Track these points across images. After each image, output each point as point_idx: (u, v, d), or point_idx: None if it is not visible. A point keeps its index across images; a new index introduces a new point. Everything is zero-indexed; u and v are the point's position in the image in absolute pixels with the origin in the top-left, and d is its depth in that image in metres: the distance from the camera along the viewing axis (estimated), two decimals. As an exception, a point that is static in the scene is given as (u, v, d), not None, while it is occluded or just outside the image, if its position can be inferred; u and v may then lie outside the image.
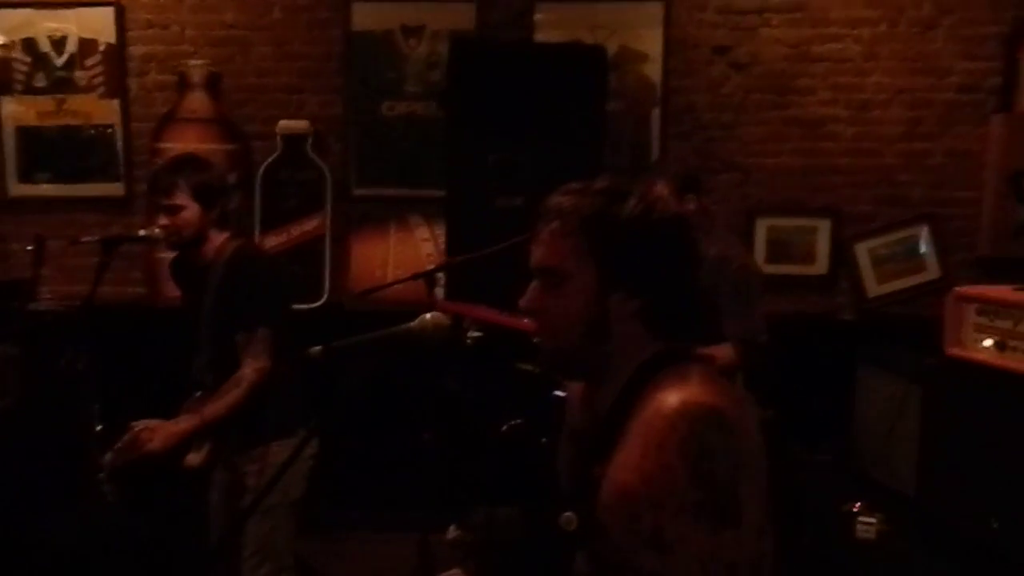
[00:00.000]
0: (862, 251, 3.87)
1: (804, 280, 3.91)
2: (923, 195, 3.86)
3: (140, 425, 2.40)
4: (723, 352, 2.67)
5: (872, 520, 2.95)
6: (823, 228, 3.88)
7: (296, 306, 2.96)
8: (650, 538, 1.02)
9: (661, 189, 2.79)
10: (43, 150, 4.10)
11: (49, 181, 4.12)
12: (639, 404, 1.10)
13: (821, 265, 3.90)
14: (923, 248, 3.85)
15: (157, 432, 2.37)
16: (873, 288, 3.88)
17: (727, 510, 1.02)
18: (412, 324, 1.14)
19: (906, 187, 3.87)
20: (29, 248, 3.90)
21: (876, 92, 3.82)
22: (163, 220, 2.40)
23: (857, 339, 3.68)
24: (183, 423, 2.39)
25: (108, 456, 2.38)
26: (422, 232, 4.02)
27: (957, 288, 3.01)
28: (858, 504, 3.04)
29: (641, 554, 1.03)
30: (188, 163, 2.48)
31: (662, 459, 1.02)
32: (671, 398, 1.07)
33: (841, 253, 3.89)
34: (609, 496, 1.07)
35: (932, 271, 3.84)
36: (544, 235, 1.16)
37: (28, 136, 4.09)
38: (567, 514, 1.12)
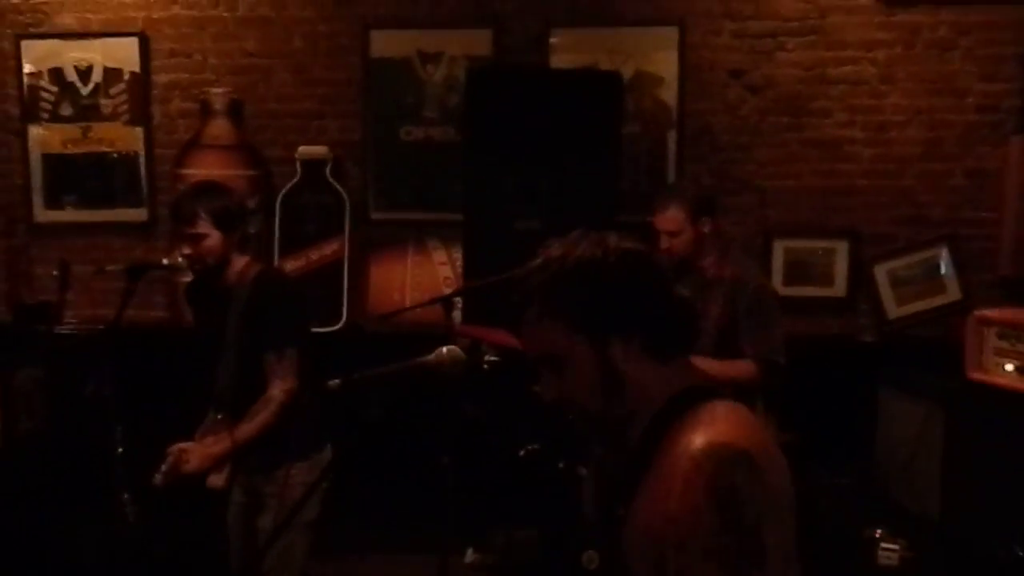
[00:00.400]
0: (881, 272, 3.85)
1: (823, 302, 3.89)
2: (943, 216, 3.83)
3: (177, 448, 2.43)
4: (744, 368, 2.67)
5: (895, 546, 2.91)
6: (841, 250, 3.87)
7: (315, 329, 2.99)
8: None
9: (659, 219, 2.81)
10: (69, 176, 4.19)
11: (74, 206, 4.20)
12: (666, 443, 1.09)
13: (840, 287, 3.88)
14: (943, 269, 3.82)
15: (193, 454, 2.41)
16: (893, 310, 3.85)
17: (752, 554, 1.01)
18: (429, 358, 1.15)
19: (925, 208, 3.85)
20: (55, 273, 3.97)
21: (894, 113, 3.82)
22: (186, 249, 2.44)
23: (878, 361, 3.65)
24: (217, 446, 2.43)
25: (157, 478, 2.42)
26: (440, 255, 4.05)
27: (977, 312, 2.99)
28: (879, 530, 3.01)
29: None
30: (207, 190, 2.52)
31: (689, 501, 1.02)
32: (698, 439, 1.06)
33: (860, 275, 3.87)
34: (633, 536, 1.08)
35: (953, 292, 3.81)
36: (525, 327, 1.16)
37: (54, 163, 4.18)
38: (589, 552, 1.12)
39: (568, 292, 1.13)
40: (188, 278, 2.66)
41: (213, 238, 2.43)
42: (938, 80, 3.78)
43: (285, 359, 2.44)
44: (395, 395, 1.19)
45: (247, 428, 2.42)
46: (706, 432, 1.06)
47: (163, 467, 2.41)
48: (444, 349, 1.12)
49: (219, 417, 2.46)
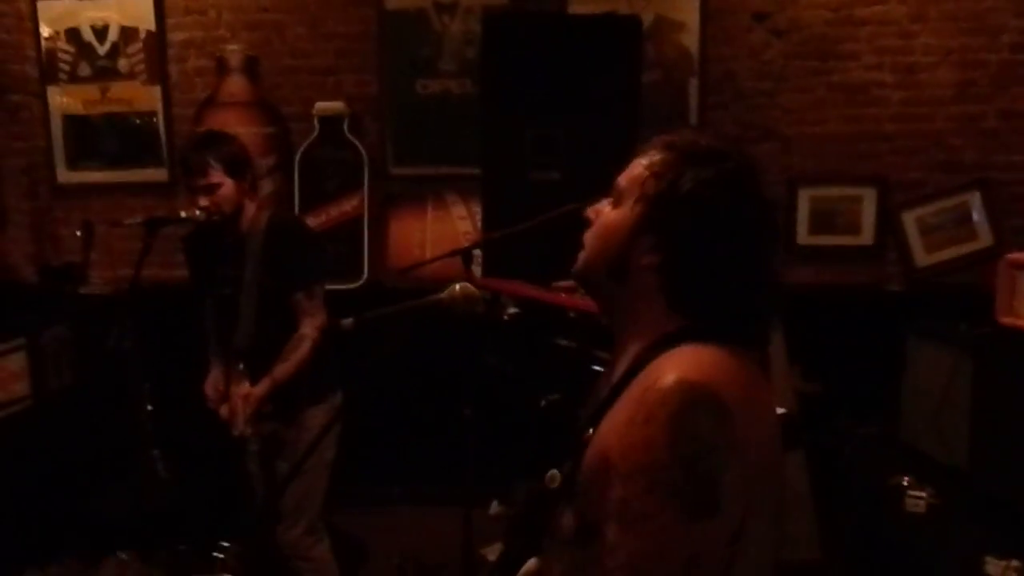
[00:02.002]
0: (909, 220, 3.76)
1: (849, 251, 3.82)
2: (974, 160, 3.73)
3: (239, 396, 2.47)
4: None
5: (922, 494, 2.88)
6: (869, 197, 3.78)
7: (336, 286, 3.00)
8: (616, 508, 0.98)
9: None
10: (89, 137, 4.20)
11: (96, 168, 4.23)
12: (643, 372, 1.05)
13: (867, 235, 3.81)
14: (975, 215, 3.72)
15: (246, 400, 2.46)
16: (922, 258, 3.78)
17: (702, 500, 0.96)
18: (441, 295, 1.13)
19: (957, 152, 3.74)
20: (78, 233, 4.01)
21: (924, 54, 3.69)
22: (203, 201, 2.44)
23: (906, 310, 3.58)
24: (260, 387, 2.47)
25: (244, 429, 2.48)
26: (459, 210, 4.02)
27: (1009, 255, 2.91)
28: (907, 478, 2.97)
29: (605, 522, 1.00)
30: (213, 139, 2.52)
31: (646, 432, 0.97)
32: (672, 372, 1.00)
33: (887, 222, 3.78)
34: (590, 459, 1.04)
35: (984, 238, 3.71)
36: (639, 157, 1.15)
37: (75, 124, 4.20)
38: (552, 472, 1.11)
39: (676, 176, 1.09)
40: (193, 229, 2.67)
41: (227, 186, 2.43)
42: (970, 18, 3.64)
43: (315, 297, 2.50)
44: (409, 333, 1.17)
45: (285, 367, 2.47)
46: (683, 368, 1.01)
47: (239, 418, 2.46)
48: (457, 286, 1.10)
49: (240, 367, 2.49)
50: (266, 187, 3.89)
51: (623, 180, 1.14)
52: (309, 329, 2.49)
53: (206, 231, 2.58)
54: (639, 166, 1.13)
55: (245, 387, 2.48)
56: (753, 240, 1.10)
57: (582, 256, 1.17)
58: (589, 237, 1.17)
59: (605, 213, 1.16)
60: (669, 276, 1.09)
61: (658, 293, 1.10)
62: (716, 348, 1.06)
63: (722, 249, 1.08)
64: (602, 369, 1.42)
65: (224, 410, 2.53)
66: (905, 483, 2.95)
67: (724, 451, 0.97)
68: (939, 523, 2.80)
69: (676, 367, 1.01)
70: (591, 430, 1.07)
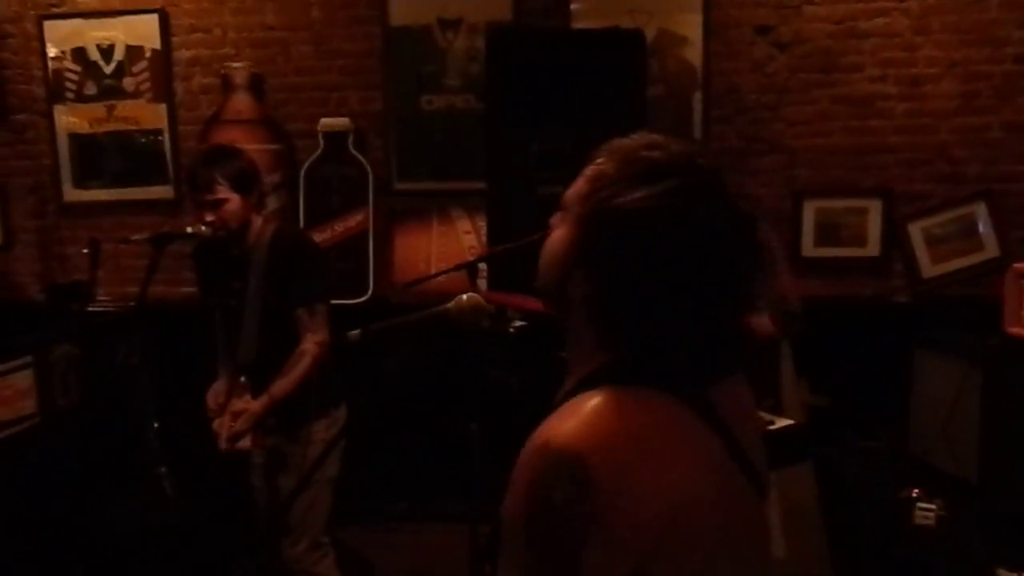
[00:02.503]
0: (915, 231, 3.75)
1: (855, 263, 3.81)
2: (979, 171, 3.72)
3: (228, 414, 2.47)
4: (759, 323, 2.65)
5: (931, 506, 2.85)
6: (874, 209, 3.78)
7: (342, 302, 3.00)
8: (512, 562, 0.93)
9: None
10: (96, 156, 4.23)
11: (102, 186, 4.25)
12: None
13: (873, 247, 3.80)
14: (980, 226, 3.72)
15: (240, 416, 2.45)
16: (928, 269, 3.76)
17: (554, 570, 0.88)
18: (448, 305, 1.13)
19: (961, 164, 3.73)
20: (85, 251, 4.02)
21: (928, 66, 3.70)
22: (209, 216, 2.45)
23: (913, 322, 3.56)
24: (259, 402, 2.45)
25: (224, 444, 2.47)
26: (464, 225, 4.03)
27: (1016, 264, 2.90)
28: (916, 491, 2.95)
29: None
30: (220, 154, 2.52)
31: (514, 491, 0.91)
32: (548, 431, 0.91)
33: (893, 234, 3.78)
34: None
35: (991, 249, 3.70)
36: (585, 170, 1.05)
37: (81, 143, 4.22)
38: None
39: (602, 198, 0.98)
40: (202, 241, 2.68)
41: (233, 202, 2.44)
42: (974, 30, 3.65)
43: (317, 313, 2.49)
44: (415, 345, 1.17)
45: (284, 383, 2.45)
46: (563, 427, 0.91)
47: (224, 434, 2.45)
48: (464, 296, 1.09)
49: (242, 380, 2.48)
50: (271, 204, 3.91)
51: (568, 194, 1.04)
52: (310, 345, 2.48)
53: (214, 244, 2.58)
54: (582, 179, 1.03)
55: (241, 402, 2.47)
56: (698, 272, 0.95)
57: (538, 273, 1.08)
58: (541, 256, 1.08)
59: (552, 232, 1.06)
60: (597, 310, 0.99)
61: (589, 326, 1.00)
62: (636, 395, 0.95)
63: (656, 284, 0.95)
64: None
65: (217, 423, 2.51)
66: (914, 496, 2.93)
67: (580, 525, 0.87)
68: (949, 536, 2.78)
69: (557, 424, 0.92)
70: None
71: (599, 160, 1.03)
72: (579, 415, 0.92)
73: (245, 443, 2.47)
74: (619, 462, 0.88)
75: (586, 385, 0.97)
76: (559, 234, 1.04)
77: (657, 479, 0.89)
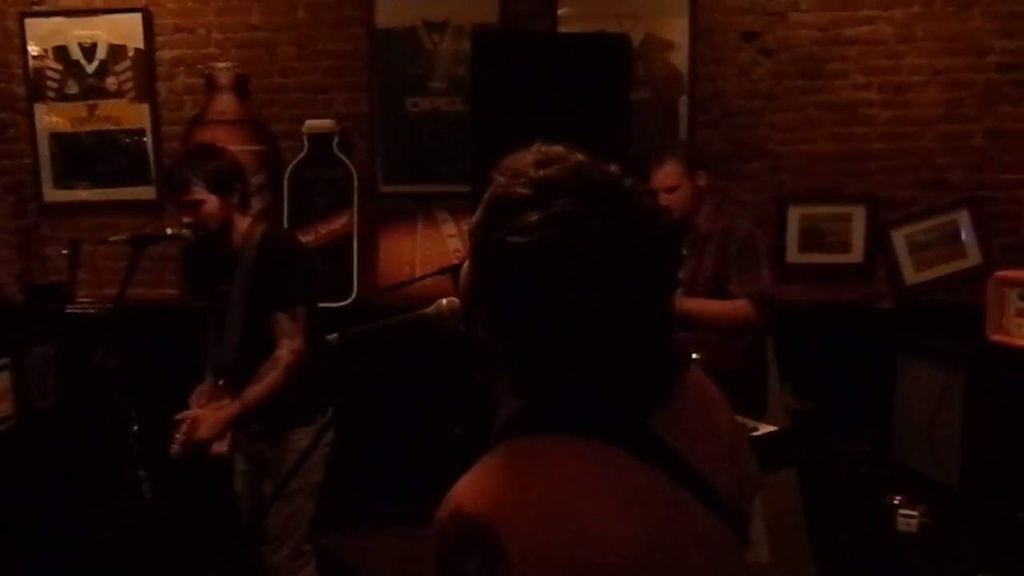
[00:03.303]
0: (899, 238, 3.77)
1: (839, 269, 3.82)
2: (962, 179, 3.74)
3: (188, 415, 2.42)
4: (736, 306, 2.67)
5: (914, 512, 2.86)
6: (858, 215, 3.79)
7: (325, 304, 2.97)
8: None
9: (657, 176, 2.80)
10: (77, 156, 4.18)
11: (83, 186, 4.20)
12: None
13: (856, 253, 3.81)
14: (963, 233, 3.74)
15: (204, 420, 2.39)
16: (911, 276, 3.78)
17: None
18: (428, 310, 1.12)
19: (944, 171, 3.76)
20: (64, 252, 3.97)
21: (911, 74, 3.72)
22: (187, 217, 2.42)
23: (896, 327, 3.59)
24: (226, 410, 2.41)
25: (174, 448, 2.40)
26: (449, 227, 4.01)
27: (998, 272, 2.92)
28: (898, 497, 2.96)
29: None
30: (198, 155, 2.49)
31: (434, 559, 0.88)
32: (455, 497, 0.86)
33: (877, 240, 3.79)
34: None
35: (973, 257, 3.73)
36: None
37: (62, 142, 4.17)
38: None
39: (489, 231, 0.88)
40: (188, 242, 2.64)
41: (210, 203, 2.40)
42: (957, 39, 3.68)
43: (297, 319, 2.44)
44: (395, 349, 1.16)
45: (256, 390, 2.41)
46: (471, 492, 0.85)
47: (178, 436, 2.40)
48: (443, 300, 1.08)
49: (220, 382, 2.45)
50: (255, 205, 3.87)
51: (471, 223, 0.94)
52: (285, 352, 2.43)
53: (203, 244, 2.54)
54: (480, 204, 0.93)
55: (209, 408, 2.42)
56: (601, 301, 0.84)
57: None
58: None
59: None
60: (498, 353, 0.91)
61: (499, 368, 0.93)
62: (551, 446, 0.88)
63: (554, 320, 0.85)
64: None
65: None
66: (897, 502, 2.94)
67: None
68: (931, 542, 2.79)
69: (465, 490, 0.86)
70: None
71: (495, 182, 0.92)
72: (490, 476, 0.86)
73: (221, 447, 2.43)
74: (529, 526, 0.82)
75: (504, 434, 0.90)
76: (464, 267, 0.96)
77: (571, 537, 0.82)
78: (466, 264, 0.96)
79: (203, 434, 2.39)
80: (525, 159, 0.92)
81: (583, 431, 0.88)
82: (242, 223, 2.50)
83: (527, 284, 0.85)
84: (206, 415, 2.41)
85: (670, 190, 2.76)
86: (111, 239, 2.64)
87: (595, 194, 0.86)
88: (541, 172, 0.88)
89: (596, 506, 0.84)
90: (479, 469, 0.88)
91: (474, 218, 0.92)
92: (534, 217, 0.84)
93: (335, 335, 1.18)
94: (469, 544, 0.82)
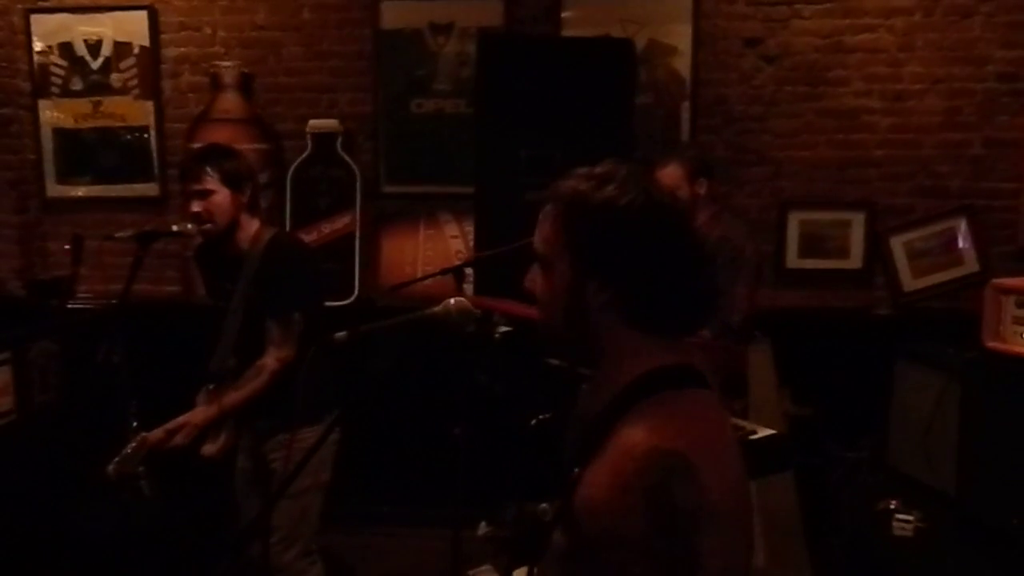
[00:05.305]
0: (897, 245, 3.80)
1: (838, 275, 3.85)
2: (961, 187, 3.77)
3: (140, 437, 2.38)
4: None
5: (910, 518, 2.88)
6: (857, 221, 3.82)
7: (327, 303, 2.98)
8: (617, 571, 1.05)
9: (659, 175, 2.81)
10: (80, 151, 4.19)
11: (86, 182, 4.21)
12: (621, 425, 1.08)
13: (855, 259, 3.84)
14: (961, 241, 3.76)
15: (182, 428, 2.39)
16: (909, 282, 3.81)
17: (683, 560, 1.02)
18: (436, 309, 1.14)
19: (943, 179, 3.78)
20: (67, 247, 3.98)
21: (912, 82, 3.75)
22: (195, 207, 2.41)
23: (894, 334, 3.61)
24: (201, 414, 2.41)
25: (110, 469, 2.37)
26: (451, 229, 4.03)
27: (995, 280, 2.94)
28: (895, 502, 2.98)
29: None
30: (215, 151, 2.50)
31: (627, 501, 1.03)
32: (643, 439, 1.04)
33: (876, 247, 3.82)
34: (579, 502, 1.09)
35: (970, 264, 3.75)
36: (540, 219, 1.18)
37: (65, 138, 4.19)
38: (543, 506, 1.16)
39: (578, 215, 1.12)
40: (199, 242, 2.64)
41: (221, 195, 2.40)
42: (957, 48, 3.70)
43: (290, 326, 2.42)
44: (403, 347, 1.17)
45: (235, 395, 2.41)
46: (652, 432, 1.05)
47: (116, 458, 2.35)
48: (452, 300, 1.10)
49: (211, 388, 2.44)
50: (261, 205, 3.88)
51: (539, 244, 1.18)
52: (271, 359, 2.42)
53: (213, 245, 2.55)
54: (545, 226, 1.17)
55: (186, 415, 2.42)
56: (678, 240, 1.14)
57: (541, 327, 1.21)
58: (539, 310, 1.20)
59: (540, 283, 1.19)
60: (626, 302, 1.13)
61: (622, 324, 1.14)
62: (694, 396, 1.11)
63: (652, 250, 1.12)
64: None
65: (156, 432, 2.43)
66: (893, 507, 2.96)
67: (699, 515, 1.01)
68: (927, 547, 2.81)
69: (650, 432, 1.04)
70: (576, 469, 1.10)
71: (548, 206, 1.17)
72: (668, 420, 1.06)
73: (211, 449, 2.43)
74: (709, 451, 1.05)
75: (640, 393, 1.09)
76: (552, 278, 1.16)
77: (726, 464, 1.07)
78: (543, 281, 1.17)
79: (179, 441, 2.37)
80: (570, 177, 1.17)
81: (702, 386, 1.12)
82: (249, 225, 2.49)
83: (634, 227, 1.10)
84: (182, 423, 2.39)
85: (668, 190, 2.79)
86: (117, 235, 2.63)
87: (633, 174, 1.15)
88: (594, 169, 1.15)
89: (728, 444, 1.11)
90: (655, 418, 1.06)
91: (546, 230, 1.16)
92: (612, 187, 1.11)
93: (343, 333, 1.19)
94: (675, 475, 1.01)
